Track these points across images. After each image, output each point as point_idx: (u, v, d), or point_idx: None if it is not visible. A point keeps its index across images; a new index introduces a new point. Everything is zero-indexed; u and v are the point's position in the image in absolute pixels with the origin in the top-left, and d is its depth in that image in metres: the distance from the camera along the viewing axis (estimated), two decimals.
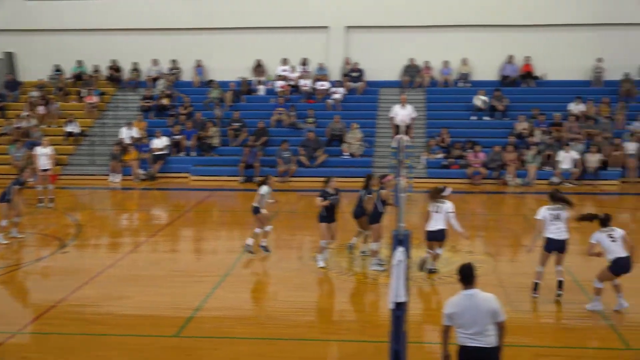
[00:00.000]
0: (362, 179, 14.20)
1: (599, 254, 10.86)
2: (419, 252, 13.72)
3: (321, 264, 13.45)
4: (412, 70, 28.50)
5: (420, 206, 19.65)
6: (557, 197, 11.60)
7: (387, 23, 28.61)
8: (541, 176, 23.35)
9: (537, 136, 24.44)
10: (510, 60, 28.09)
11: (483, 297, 7.18)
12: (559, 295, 11.64)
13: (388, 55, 28.60)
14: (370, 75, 28.67)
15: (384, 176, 13.81)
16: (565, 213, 11.47)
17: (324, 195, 13.38)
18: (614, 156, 23.52)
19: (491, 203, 21.44)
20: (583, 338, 10.38)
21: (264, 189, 14.58)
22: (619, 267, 10.53)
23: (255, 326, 10.70)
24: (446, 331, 7.37)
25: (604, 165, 23.45)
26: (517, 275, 13.12)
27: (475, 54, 28.43)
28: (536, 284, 11.75)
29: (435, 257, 13.21)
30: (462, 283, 7.25)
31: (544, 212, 11.50)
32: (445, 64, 28.43)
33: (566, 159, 23.22)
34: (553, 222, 11.41)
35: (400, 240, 7.86)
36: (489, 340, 7.11)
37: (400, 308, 7.82)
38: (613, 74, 27.45)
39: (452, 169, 23.69)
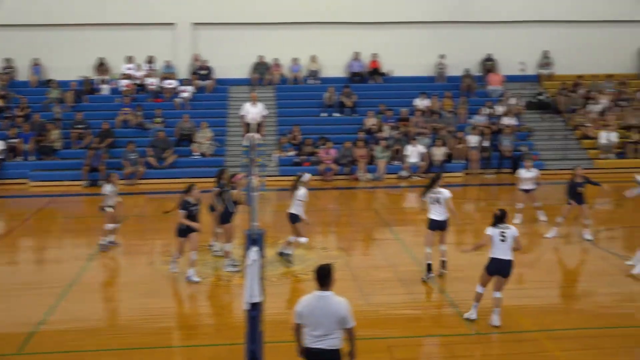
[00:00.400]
0: (213, 179, 14.07)
1: (478, 247, 11.08)
2: (274, 251, 13.82)
3: (174, 269, 13.19)
4: (261, 68, 28.58)
5: (274, 204, 19.82)
6: (436, 182, 13.00)
7: (234, 20, 28.48)
8: (390, 170, 24.16)
9: (386, 131, 25.25)
10: (357, 57, 28.81)
11: (335, 301, 7.16)
12: (442, 273, 12.77)
13: (237, 52, 28.47)
14: (220, 73, 28.46)
15: (234, 175, 13.79)
16: (444, 196, 12.73)
17: (185, 206, 12.91)
18: (458, 149, 24.73)
19: (343, 199, 21.89)
20: (433, 326, 10.85)
21: (107, 188, 14.47)
22: (494, 267, 10.48)
23: (105, 337, 10.35)
24: (297, 328, 7.36)
25: (448, 158, 24.59)
26: (369, 268, 13.52)
27: (324, 51, 28.91)
28: (429, 265, 12.67)
29: (295, 246, 13.69)
30: (317, 283, 7.24)
31: (428, 195, 12.95)
32: (295, 61, 28.74)
33: (413, 153, 24.18)
34: (434, 205, 12.77)
35: (254, 239, 7.89)
36: (332, 342, 7.15)
37: (255, 308, 7.85)
38: (455, 70, 28.87)
39: (304, 166, 23.97)
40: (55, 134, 24.50)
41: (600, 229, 16.61)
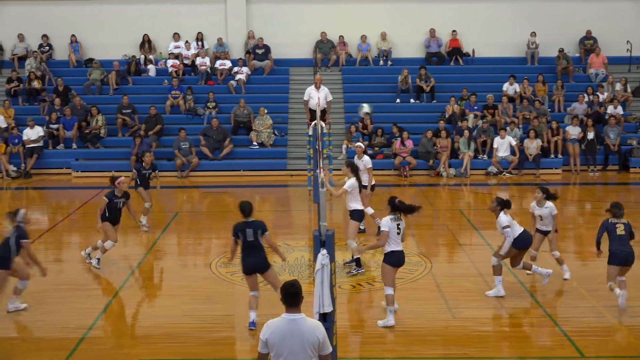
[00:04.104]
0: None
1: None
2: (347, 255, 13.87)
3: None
4: (324, 47, 28.59)
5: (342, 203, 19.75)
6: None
7: None
8: (476, 166, 23.91)
9: (470, 120, 24.94)
10: (433, 35, 28.54)
11: (308, 324, 6.79)
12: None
13: (296, 29, 28.56)
14: (278, 52, 28.59)
15: (116, 178, 14.18)
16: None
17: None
18: (555, 142, 24.27)
19: (423, 197, 21.45)
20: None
21: None
22: (396, 259, 10.88)
23: (159, 346, 10.52)
24: (261, 359, 6.93)
25: (544, 152, 24.17)
26: (455, 277, 13.38)
27: (396, 28, 28.73)
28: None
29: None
30: (285, 304, 6.82)
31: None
32: (363, 39, 28.65)
33: (503, 145, 23.83)
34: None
35: (323, 241, 7.82)
36: None
37: (326, 320, 7.76)
38: (548, 50, 28.36)
39: (377, 159, 23.72)
40: (99, 119, 24.97)
41: None
